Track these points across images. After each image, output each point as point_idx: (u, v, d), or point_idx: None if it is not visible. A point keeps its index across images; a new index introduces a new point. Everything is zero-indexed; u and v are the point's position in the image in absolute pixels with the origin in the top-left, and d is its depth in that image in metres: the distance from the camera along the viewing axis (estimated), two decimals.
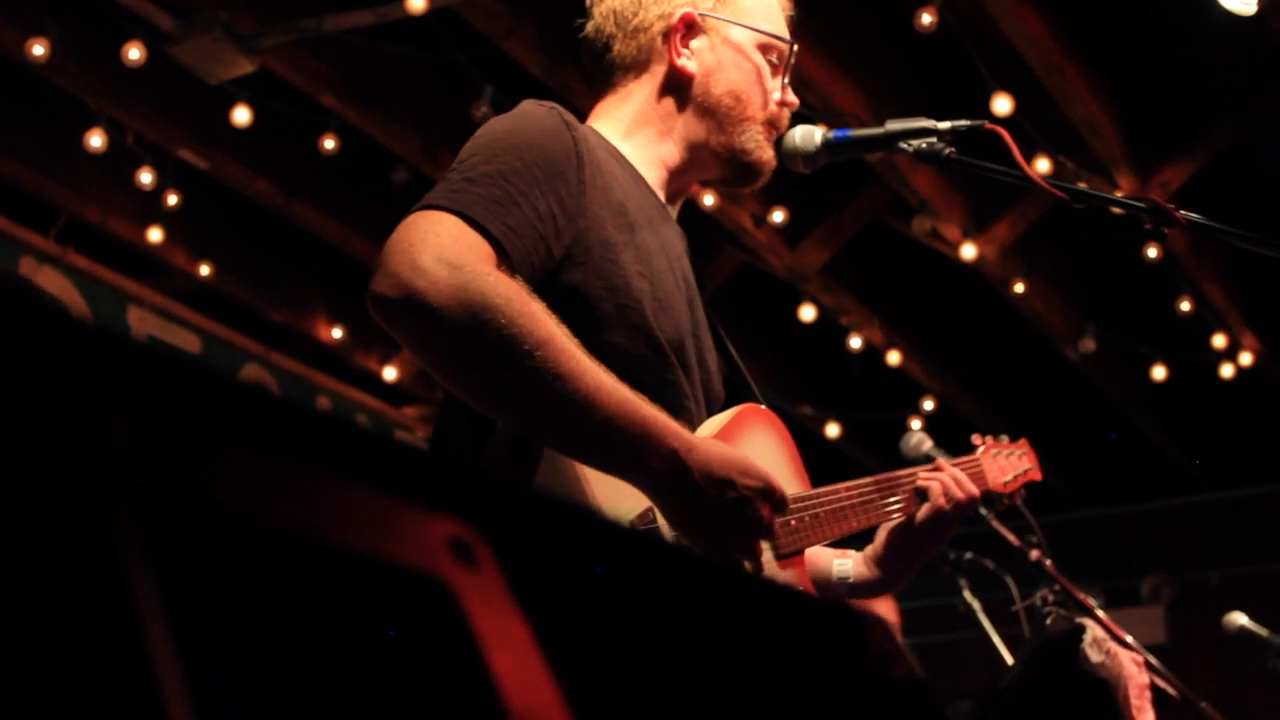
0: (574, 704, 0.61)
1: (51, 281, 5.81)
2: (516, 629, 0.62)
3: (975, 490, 2.26)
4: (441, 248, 1.63)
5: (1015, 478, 2.53)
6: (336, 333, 6.96)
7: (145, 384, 0.55)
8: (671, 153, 2.07)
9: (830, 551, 2.26)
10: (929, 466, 2.28)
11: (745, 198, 5.90)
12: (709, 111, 2.07)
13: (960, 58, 5.05)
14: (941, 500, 2.20)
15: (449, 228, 1.67)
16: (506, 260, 1.71)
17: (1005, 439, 2.61)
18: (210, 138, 5.66)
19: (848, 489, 2.13)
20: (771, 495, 1.77)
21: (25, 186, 5.79)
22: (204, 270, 6.39)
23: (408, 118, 5.51)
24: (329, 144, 5.53)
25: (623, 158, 2.02)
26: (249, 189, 5.96)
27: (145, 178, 5.69)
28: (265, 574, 0.58)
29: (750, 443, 2.00)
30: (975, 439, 2.54)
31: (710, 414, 2.01)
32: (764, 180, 2.13)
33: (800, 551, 2.00)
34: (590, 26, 2.12)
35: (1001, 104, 5.07)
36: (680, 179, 2.11)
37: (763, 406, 2.09)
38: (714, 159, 2.09)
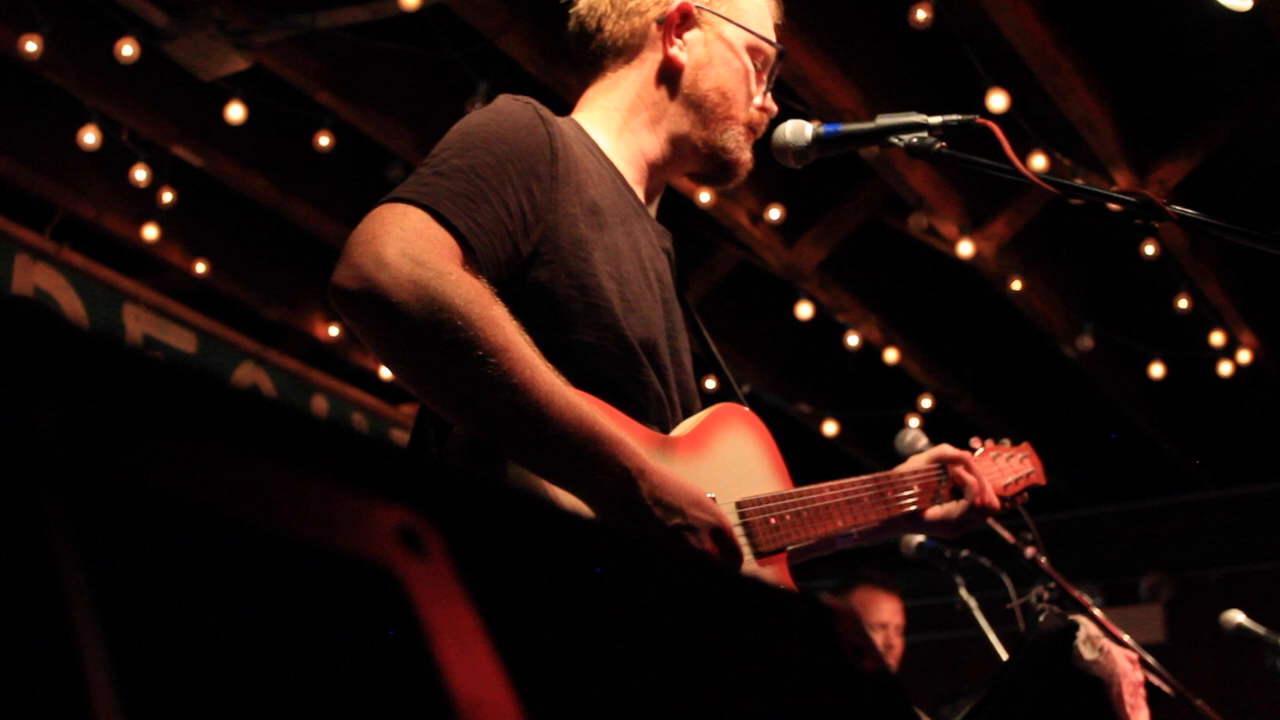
0: (524, 695, 0.60)
1: (47, 279, 5.80)
2: (466, 619, 0.61)
3: (994, 500, 2.31)
4: (406, 242, 1.61)
5: (1016, 481, 2.53)
6: (333, 330, 6.94)
7: (75, 370, 0.53)
8: (654, 145, 2.07)
9: None
10: (956, 463, 2.32)
11: (742, 195, 5.89)
12: (695, 105, 2.06)
13: (955, 54, 5.04)
14: (979, 499, 2.27)
15: (414, 222, 1.65)
16: (471, 256, 1.69)
17: (1007, 442, 2.60)
18: (204, 135, 5.65)
19: (833, 487, 2.12)
20: (721, 534, 1.74)
21: (19, 184, 5.78)
22: (199, 268, 6.37)
23: (402, 114, 5.50)
24: (324, 141, 5.51)
25: (601, 154, 2.01)
26: (244, 186, 5.95)
27: (140, 175, 5.68)
28: (206, 563, 0.56)
29: (725, 440, 1.99)
30: (974, 442, 2.54)
31: (688, 414, 2.00)
32: (738, 181, 2.14)
33: (783, 550, 1.98)
34: (583, 4, 2.11)
35: (997, 100, 5.06)
36: (661, 174, 2.11)
37: (742, 406, 2.09)
38: (694, 153, 2.09)
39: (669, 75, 2.06)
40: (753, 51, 2.11)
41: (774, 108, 2.14)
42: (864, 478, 2.20)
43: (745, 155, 2.10)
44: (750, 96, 2.10)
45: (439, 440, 1.77)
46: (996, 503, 2.32)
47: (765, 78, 2.13)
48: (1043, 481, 2.61)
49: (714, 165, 2.10)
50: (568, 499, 1.71)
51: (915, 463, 2.34)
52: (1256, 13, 4.63)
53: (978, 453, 2.50)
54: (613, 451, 1.65)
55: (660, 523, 1.67)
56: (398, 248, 1.60)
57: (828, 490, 2.10)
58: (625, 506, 1.66)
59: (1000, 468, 2.51)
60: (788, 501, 2.01)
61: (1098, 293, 6.84)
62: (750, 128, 2.10)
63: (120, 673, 0.49)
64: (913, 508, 2.27)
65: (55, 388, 0.52)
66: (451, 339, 1.57)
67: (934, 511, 2.32)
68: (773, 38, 2.15)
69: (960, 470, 2.32)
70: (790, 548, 1.99)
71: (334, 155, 5.60)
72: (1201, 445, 7.86)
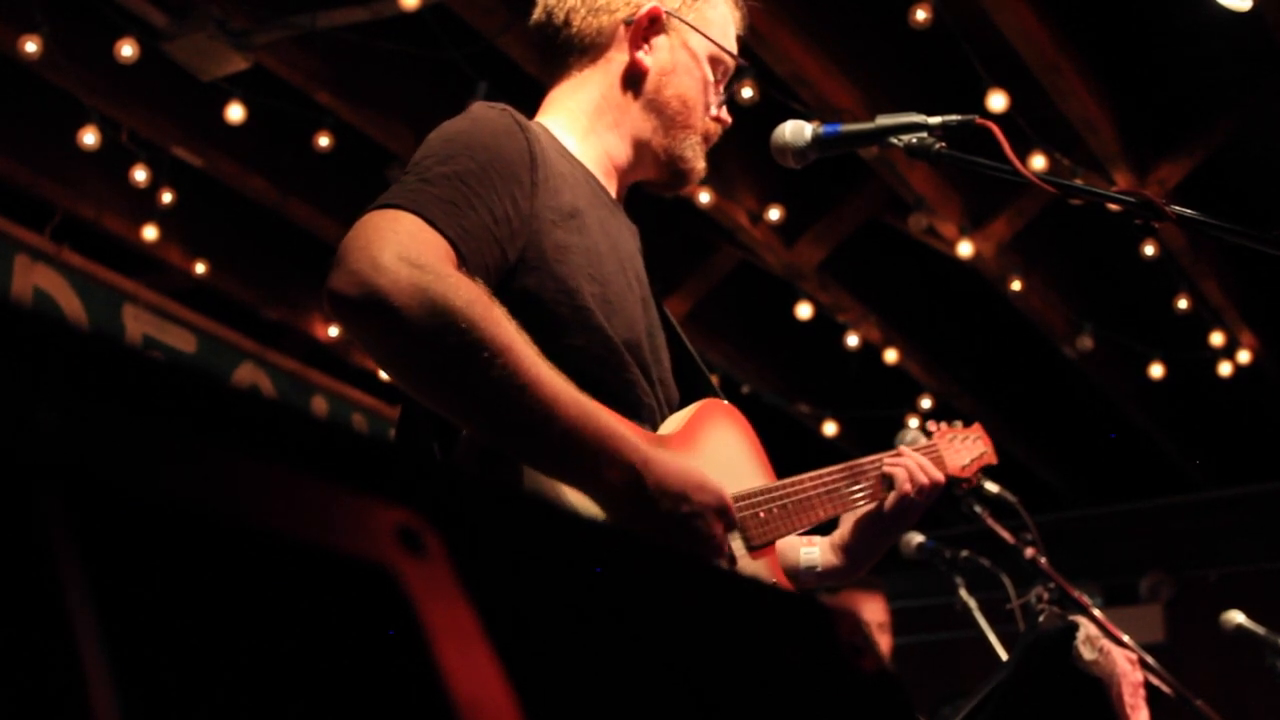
0: (523, 695, 0.60)
1: (47, 279, 5.80)
2: (465, 619, 0.61)
3: (940, 475, 2.30)
4: (402, 246, 1.61)
5: (972, 461, 2.56)
6: (333, 330, 6.94)
7: (75, 370, 0.53)
8: (620, 148, 2.08)
9: (797, 540, 2.29)
10: (892, 453, 2.32)
11: (742, 195, 5.89)
12: (657, 111, 2.08)
13: (955, 54, 5.04)
14: (907, 486, 2.25)
15: (407, 226, 1.65)
16: (462, 262, 1.69)
17: (959, 424, 2.63)
18: (204, 135, 5.65)
19: (813, 479, 2.16)
20: (725, 513, 1.76)
21: (19, 184, 5.78)
22: (199, 268, 6.38)
23: (402, 114, 5.50)
24: (323, 141, 5.52)
25: (572, 157, 2.02)
26: (244, 186, 5.95)
27: (139, 175, 5.68)
28: (205, 563, 0.56)
29: (713, 437, 2.01)
30: (930, 425, 2.57)
31: (671, 411, 2.02)
32: (687, 189, 2.17)
33: (771, 543, 2.01)
34: None
35: (997, 100, 5.06)
36: (626, 176, 2.13)
37: (723, 400, 2.11)
38: (654, 159, 2.11)
39: (633, 78, 2.07)
40: (714, 62, 2.12)
41: (729, 119, 2.16)
42: (836, 468, 2.23)
43: (700, 164, 2.13)
44: (708, 107, 2.11)
45: (440, 437, 1.78)
46: (926, 484, 2.28)
47: (723, 89, 2.15)
48: (994, 460, 2.64)
49: (670, 173, 2.12)
50: (572, 499, 1.71)
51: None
52: (1256, 13, 4.63)
53: (934, 436, 2.52)
54: (618, 446, 1.66)
55: (668, 513, 1.69)
56: (394, 252, 1.59)
57: (808, 481, 2.14)
58: (634, 500, 1.67)
59: (957, 449, 2.53)
60: (774, 495, 2.04)
61: (1098, 293, 6.84)
62: (705, 138, 2.12)
63: (119, 672, 0.49)
64: (865, 503, 2.28)
65: (55, 388, 0.52)
66: (457, 341, 1.56)
67: (887, 500, 2.31)
68: (735, 50, 2.16)
69: (887, 460, 2.32)
70: (776, 540, 2.04)
71: (334, 155, 5.61)
72: (1201, 445, 7.87)
